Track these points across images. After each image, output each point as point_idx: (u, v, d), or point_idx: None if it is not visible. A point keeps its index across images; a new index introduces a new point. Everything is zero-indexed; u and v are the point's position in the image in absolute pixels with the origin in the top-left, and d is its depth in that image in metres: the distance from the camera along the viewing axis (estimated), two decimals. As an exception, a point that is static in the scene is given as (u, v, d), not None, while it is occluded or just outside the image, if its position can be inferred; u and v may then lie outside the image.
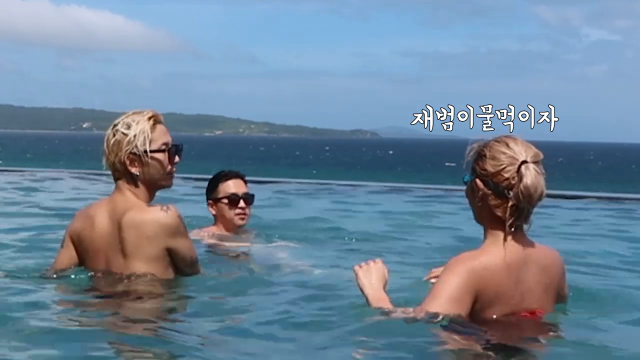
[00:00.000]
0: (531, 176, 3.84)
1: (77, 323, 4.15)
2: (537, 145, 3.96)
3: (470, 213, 4.10)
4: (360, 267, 4.20)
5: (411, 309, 3.92)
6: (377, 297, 4.06)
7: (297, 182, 15.54)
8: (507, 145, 3.91)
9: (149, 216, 4.69)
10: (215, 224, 6.91)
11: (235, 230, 6.87)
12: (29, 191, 12.65)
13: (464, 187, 4.07)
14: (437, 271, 4.30)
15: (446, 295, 3.82)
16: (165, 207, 4.72)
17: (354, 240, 7.64)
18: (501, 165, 3.88)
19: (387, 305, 4.02)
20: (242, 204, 6.82)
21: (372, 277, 4.15)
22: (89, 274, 4.85)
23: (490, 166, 3.90)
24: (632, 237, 8.54)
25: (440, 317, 3.81)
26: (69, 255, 4.95)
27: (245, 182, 6.95)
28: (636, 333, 4.30)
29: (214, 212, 6.90)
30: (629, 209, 11.64)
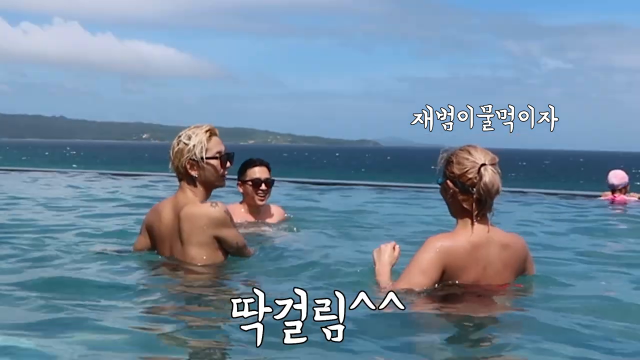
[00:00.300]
0: (489, 175, 3.88)
1: (146, 288, 4.29)
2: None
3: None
4: (380, 248, 4.19)
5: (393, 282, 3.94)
6: (380, 271, 4.09)
7: (314, 182, 15.63)
8: (469, 152, 3.94)
9: (200, 210, 4.67)
10: (241, 202, 6.77)
11: (257, 208, 6.70)
12: (101, 188, 12.65)
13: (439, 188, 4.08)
14: None
15: (418, 269, 3.87)
16: (214, 204, 4.70)
17: (357, 225, 7.63)
18: (465, 168, 3.91)
19: (385, 277, 4.05)
20: (263, 186, 6.64)
21: (383, 255, 4.14)
22: (158, 255, 4.88)
23: (457, 170, 3.94)
24: (579, 225, 8.56)
25: (412, 286, 3.84)
26: (144, 240, 5.00)
27: (269, 168, 6.77)
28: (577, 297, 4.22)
29: (241, 191, 6.74)
30: (578, 203, 11.70)
